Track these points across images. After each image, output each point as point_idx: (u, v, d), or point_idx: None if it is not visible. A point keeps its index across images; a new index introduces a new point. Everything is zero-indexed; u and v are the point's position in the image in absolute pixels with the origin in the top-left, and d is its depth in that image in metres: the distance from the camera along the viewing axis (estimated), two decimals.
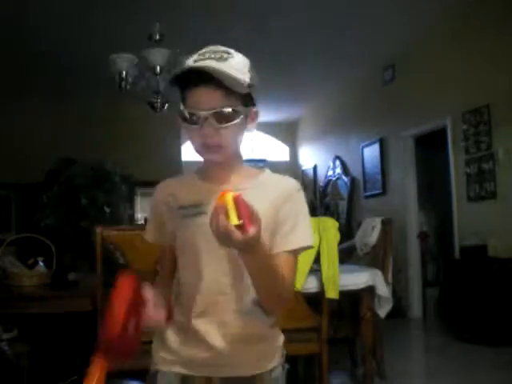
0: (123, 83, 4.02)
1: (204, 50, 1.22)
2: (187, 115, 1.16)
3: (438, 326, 5.59)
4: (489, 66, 4.95)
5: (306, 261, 2.97)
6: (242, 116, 1.17)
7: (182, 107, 1.18)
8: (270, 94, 8.21)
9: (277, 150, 10.30)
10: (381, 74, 6.84)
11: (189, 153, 9.28)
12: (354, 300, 3.37)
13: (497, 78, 4.85)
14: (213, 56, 1.17)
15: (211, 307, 1.20)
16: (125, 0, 4.82)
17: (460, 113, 5.31)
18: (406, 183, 6.34)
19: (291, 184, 1.27)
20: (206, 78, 1.12)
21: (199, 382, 1.23)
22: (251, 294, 1.20)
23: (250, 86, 1.18)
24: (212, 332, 1.20)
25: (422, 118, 5.96)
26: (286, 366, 1.34)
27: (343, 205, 7.94)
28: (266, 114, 9.27)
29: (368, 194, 7.23)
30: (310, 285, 3.00)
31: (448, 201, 5.63)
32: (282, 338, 1.31)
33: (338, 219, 5.80)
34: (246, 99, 1.18)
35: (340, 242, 3.09)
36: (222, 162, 1.22)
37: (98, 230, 2.69)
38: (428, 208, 6.86)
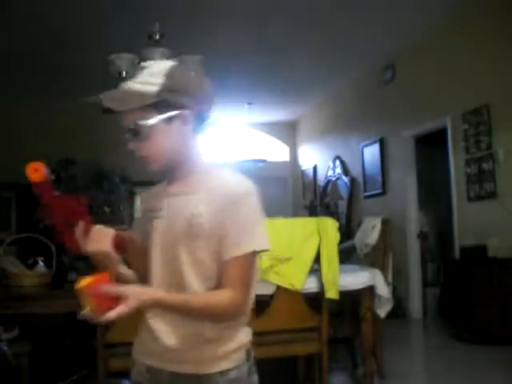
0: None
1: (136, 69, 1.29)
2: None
3: (438, 326, 5.59)
4: (489, 66, 4.95)
5: (305, 261, 2.98)
6: (159, 126, 1.22)
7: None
8: (270, 94, 8.23)
9: (277, 150, 10.30)
10: (381, 74, 6.84)
11: None
12: (354, 300, 3.37)
13: (497, 78, 4.85)
14: (130, 76, 1.26)
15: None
16: (125, 0, 4.82)
17: (460, 113, 5.31)
18: (406, 183, 6.33)
19: (241, 188, 1.26)
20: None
21: (157, 373, 1.29)
22: (196, 292, 1.24)
23: (166, 91, 1.20)
24: (164, 330, 1.26)
25: (421, 118, 5.96)
26: (253, 369, 1.33)
27: (343, 205, 7.94)
28: (266, 114, 9.28)
29: (368, 193, 7.23)
30: (310, 285, 3.00)
31: (448, 201, 5.63)
32: (240, 341, 1.30)
33: (338, 219, 5.79)
34: (161, 107, 1.22)
35: (340, 242, 3.09)
36: (162, 168, 1.29)
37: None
38: (428, 208, 6.86)
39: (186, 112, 1.25)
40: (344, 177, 7.96)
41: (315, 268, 3.00)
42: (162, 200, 1.32)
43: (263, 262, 2.88)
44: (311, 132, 9.53)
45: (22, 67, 6.36)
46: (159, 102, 1.21)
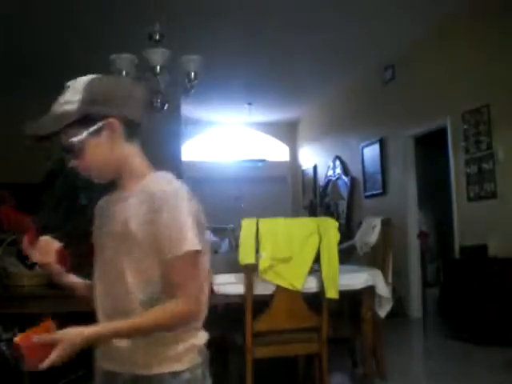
0: None
1: None
2: None
3: (438, 326, 5.59)
4: (489, 66, 4.95)
5: (306, 261, 2.97)
6: (83, 141, 1.25)
7: None
8: (270, 94, 8.23)
9: (277, 150, 10.30)
10: (381, 74, 6.84)
11: (189, 153, 9.29)
12: (354, 300, 3.37)
13: (497, 78, 4.85)
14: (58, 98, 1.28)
15: (106, 310, 1.29)
16: (125, 0, 4.82)
17: (460, 113, 5.31)
18: (406, 183, 6.33)
19: (166, 191, 1.25)
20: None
21: (112, 377, 1.30)
22: (137, 298, 1.24)
23: (86, 105, 1.23)
24: None
25: (421, 118, 5.96)
26: (207, 373, 1.33)
27: (343, 205, 7.94)
28: (266, 114, 9.28)
29: (368, 193, 7.23)
30: (310, 285, 3.00)
31: (448, 201, 5.63)
32: (192, 343, 1.30)
33: (338, 219, 5.79)
34: (86, 121, 1.25)
35: (340, 242, 3.09)
36: (105, 179, 1.33)
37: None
38: (428, 208, 6.86)
39: (111, 120, 1.26)
40: (344, 177, 7.96)
41: (315, 268, 3.00)
42: (103, 208, 1.38)
43: (263, 261, 2.89)
44: (311, 132, 9.54)
45: (21, 67, 6.36)
46: (83, 117, 1.24)
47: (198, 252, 1.24)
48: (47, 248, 1.36)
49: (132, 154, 1.32)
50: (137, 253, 1.24)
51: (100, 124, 1.25)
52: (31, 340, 1.11)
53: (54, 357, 1.12)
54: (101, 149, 1.27)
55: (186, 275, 1.23)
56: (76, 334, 1.15)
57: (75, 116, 1.23)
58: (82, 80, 1.28)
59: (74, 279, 1.43)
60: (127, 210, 1.26)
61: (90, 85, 1.26)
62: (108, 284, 1.29)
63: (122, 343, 1.26)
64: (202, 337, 1.34)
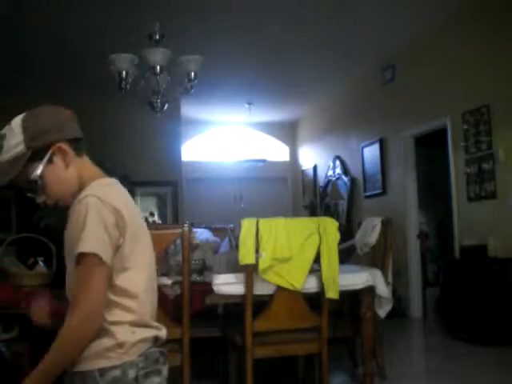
0: (123, 83, 4.03)
1: None
2: None
3: (437, 326, 5.59)
4: (489, 66, 4.95)
5: (306, 261, 2.98)
6: (42, 173, 1.33)
7: None
8: (270, 94, 8.24)
9: (277, 150, 10.30)
10: (381, 74, 6.84)
11: (189, 153, 9.29)
12: (353, 300, 3.37)
13: (497, 78, 4.85)
14: None
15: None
16: (125, 0, 4.82)
17: (460, 113, 5.31)
18: (406, 183, 6.33)
19: (78, 200, 1.30)
20: None
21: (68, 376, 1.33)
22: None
23: (31, 141, 1.31)
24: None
25: (421, 118, 5.96)
26: (151, 375, 1.31)
27: (343, 205, 7.94)
28: (266, 114, 9.28)
29: (368, 194, 7.23)
30: (310, 285, 3.00)
31: (448, 201, 5.63)
32: (120, 339, 1.28)
33: (337, 219, 5.79)
34: (37, 156, 1.32)
35: (340, 242, 3.09)
36: (72, 200, 1.34)
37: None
38: (428, 208, 6.87)
39: (59, 145, 1.35)
40: (344, 177, 7.96)
41: (315, 268, 3.00)
42: None
43: (263, 261, 2.89)
44: (311, 132, 9.53)
45: (20, 66, 6.36)
46: (33, 154, 1.32)
47: (93, 256, 1.23)
48: (42, 310, 1.49)
49: (84, 165, 1.40)
50: (70, 262, 1.31)
51: (50, 152, 1.34)
52: None
53: None
54: (58, 173, 1.35)
55: (81, 279, 1.25)
56: None
57: (27, 155, 1.31)
58: (16, 123, 1.34)
59: None
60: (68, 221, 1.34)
61: (26, 123, 1.33)
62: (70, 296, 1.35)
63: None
64: (136, 334, 1.31)
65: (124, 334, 1.29)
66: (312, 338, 3.02)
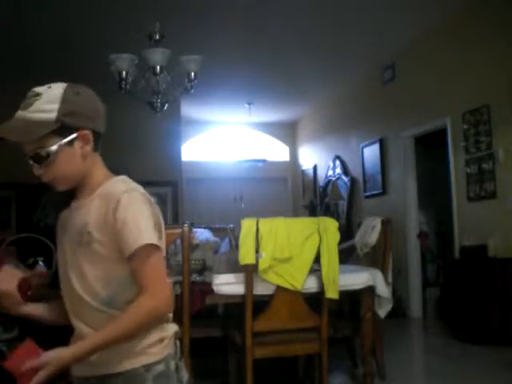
0: (123, 83, 4.03)
1: (26, 96, 1.28)
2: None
3: (437, 326, 5.59)
4: (489, 66, 4.95)
5: (306, 261, 2.98)
6: (59, 150, 1.26)
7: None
8: (270, 94, 8.23)
9: (277, 150, 10.30)
10: (381, 74, 6.84)
11: (189, 153, 9.29)
12: (353, 300, 3.37)
13: (497, 78, 4.85)
14: (22, 104, 1.26)
15: (75, 307, 1.31)
16: (125, 0, 4.82)
17: (460, 113, 5.31)
18: (406, 183, 6.33)
19: (117, 190, 1.29)
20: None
21: (86, 382, 1.32)
22: (100, 298, 1.27)
23: (63, 116, 1.24)
24: (84, 331, 1.29)
25: (421, 118, 5.96)
26: (181, 364, 1.34)
27: (343, 205, 7.94)
28: (266, 114, 9.28)
29: (368, 193, 7.23)
30: (310, 285, 3.00)
31: (448, 201, 5.63)
32: (160, 335, 1.31)
33: (337, 219, 5.79)
34: (61, 132, 1.26)
35: (340, 242, 3.09)
36: (68, 188, 1.33)
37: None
38: (428, 208, 6.86)
39: (85, 132, 1.30)
40: (344, 177, 7.96)
41: (315, 268, 3.00)
42: (66, 216, 1.37)
43: (263, 261, 2.89)
44: (311, 132, 9.53)
45: (21, 67, 6.36)
46: (59, 127, 1.25)
47: (157, 247, 1.25)
48: (8, 276, 1.34)
49: (96, 163, 1.36)
50: (97, 255, 1.27)
51: (74, 135, 1.28)
52: (19, 365, 1.19)
53: (42, 378, 1.16)
54: (72, 159, 1.29)
55: (150, 271, 1.25)
56: (60, 356, 1.19)
57: (53, 126, 1.24)
58: (57, 89, 1.27)
59: (31, 309, 1.40)
60: (85, 216, 1.29)
61: (66, 95, 1.27)
62: (73, 291, 1.30)
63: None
64: (170, 328, 1.34)
65: (163, 328, 1.31)
66: (312, 337, 3.02)
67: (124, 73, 4.00)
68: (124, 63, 3.98)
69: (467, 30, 5.26)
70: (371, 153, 7.12)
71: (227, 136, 9.95)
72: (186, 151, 9.01)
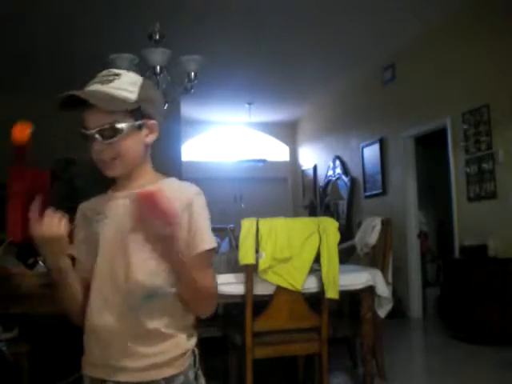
0: None
1: (98, 75, 1.32)
2: (82, 135, 1.29)
3: (437, 326, 5.59)
4: (489, 66, 4.95)
5: (306, 261, 2.98)
6: (129, 131, 1.27)
7: (79, 128, 1.30)
8: (270, 94, 8.24)
9: (277, 150, 10.30)
10: (381, 74, 6.84)
11: (189, 153, 9.29)
12: (353, 300, 3.37)
13: (497, 78, 4.85)
14: (98, 80, 1.29)
15: (107, 303, 1.26)
16: (125, 0, 4.82)
17: (460, 113, 5.31)
18: (406, 183, 6.33)
19: (191, 190, 1.36)
20: (88, 101, 1.23)
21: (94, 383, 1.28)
22: (144, 290, 1.25)
23: (141, 101, 1.28)
24: (110, 328, 1.25)
25: (422, 118, 5.96)
26: (200, 372, 1.33)
27: (343, 205, 7.94)
28: (266, 114, 9.28)
29: (368, 193, 7.23)
30: (310, 285, 3.00)
31: (448, 201, 5.63)
32: (185, 347, 1.31)
33: (337, 219, 5.79)
34: (135, 114, 1.29)
35: (340, 242, 3.09)
36: (120, 174, 1.32)
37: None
38: (428, 208, 6.86)
39: (154, 122, 1.34)
40: (344, 177, 7.96)
41: (315, 268, 3.00)
42: (109, 205, 1.34)
43: (263, 261, 2.89)
44: (311, 132, 9.53)
45: (21, 66, 6.36)
46: (135, 109, 1.28)
47: (214, 250, 1.37)
48: (56, 220, 1.21)
49: (149, 158, 1.41)
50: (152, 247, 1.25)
51: (145, 121, 1.31)
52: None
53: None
54: (137, 144, 1.31)
55: (212, 272, 1.36)
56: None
57: (131, 106, 1.27)
58: (135, 76, 1.33)
59: (68, 266, 1.28)
60: None
61: (144, 84, 1.32)
62: (114, 278, 1.26)
63: (118, 337, 1.24)
64: (193, 338, 1.35)
65: (188, 340, 1.32)
66: (312, 337, 3.02)
67: None
68: (124, 63, 3.98)
69: (467, 30, 5.26)
70: (371, 153, 7.12)
71: (227, 136, 9.95)
72: (186, 151, 9.01)
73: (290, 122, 10.04)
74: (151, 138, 1.35)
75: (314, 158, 9.35)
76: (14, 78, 6.67)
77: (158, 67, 3.99)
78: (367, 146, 7.22)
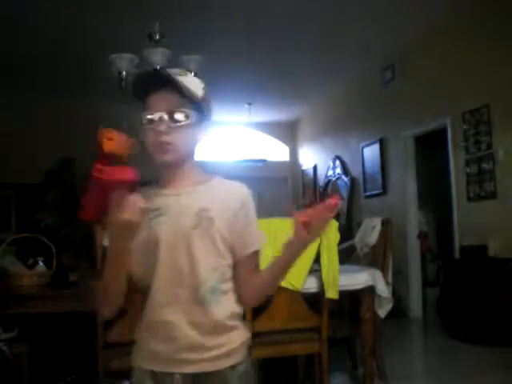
0: (123, 83, 4.03)
1: (169, 70, 1.40)
2: (147, 117, 1.35)
3: (437, 326, 5.58)
4: (489, 65, 4.95)
5: (306, 261, 2.97)
6: (193, 121, 1.36)
7: (143, 113, 1.36)
8: (270, 94, 8.23)
9: (277, 150, 10.30)
10: (380, 74, 6.84)
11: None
12: (353, 300, 3.37)
13: (497, 78, 4.85)
14: (173, 72, 1.38)
15: (173, 298, 1.28)
16: (125, 0, 4.82)
17: (460, 113, 5.31)
18: (406, 183, 6.34)
19: (245, 189, 1.46)
20: (164, 83, 1.33)
21: (164, 378, 1.28)
22: (208, 284, 1.29)
23: (202, 99, 1.40)
24: (176, 322, 1.27)
25: (421, 118, 5.96)
26: (249, 367, 1.36)
27: (343, 205, 7.94)
28: (266, 114, 9.28)
29: (368, 194, 7.23)
30: (310, 285, 3.00)
31: (448, 201, 5.63)
32: (246, 336, 1.37)
33: (338, 219, 5.79)
34: (198, 109, 1.39)
35: (340, 242, 3.09)
36: (173, 162, 1.34)
37: (99, 229, 2.69)
38: (428, 208, 6.86)
39: (208, 122, 1.45)
40: (344, 177, 7.96)
41: (315, 268, 3.00)
42: (161, 202, 1.34)
43: (263, 261, 2.88)
44: (311, 132, 9.53)
45: (21, 67, 6.36)
46: (201, 104, 1.39)
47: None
48: (134, 206, 1.21)
49: (195, 155, 1.45)
50: (213, 241, 1.31)
51: (204, 120, 1.43)
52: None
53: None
54: (194, 136, 1.39)
55: (257, 265, 1.46)
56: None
57: (198, 100, 1.38)
58: (198, 79, 1.45)
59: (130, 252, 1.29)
60: (202, 201, 1.34)
61: (205, 87, 1.45)
62: (177, 274, 1.29)
63: (188, 332, 1.27)
64: (248, 329, 1.42)
65: (244, 329, 1.38)
66: (312, 337, 3.02)
67: (124, 73, 4.01)
68: (124, 63, 3.98)
69: (467, 30, 5.26)
70: (371, 153, 7.12)
71: (227, 136, 9.95)
72: None
73: (289, 122, 10.04)
74: (203, 134, 1.43)
75: (314, 157, 9.35)
76: (14, 78, 6.67)
77: (158, 67, 3.99)
78: (367, 145, 7.22)
